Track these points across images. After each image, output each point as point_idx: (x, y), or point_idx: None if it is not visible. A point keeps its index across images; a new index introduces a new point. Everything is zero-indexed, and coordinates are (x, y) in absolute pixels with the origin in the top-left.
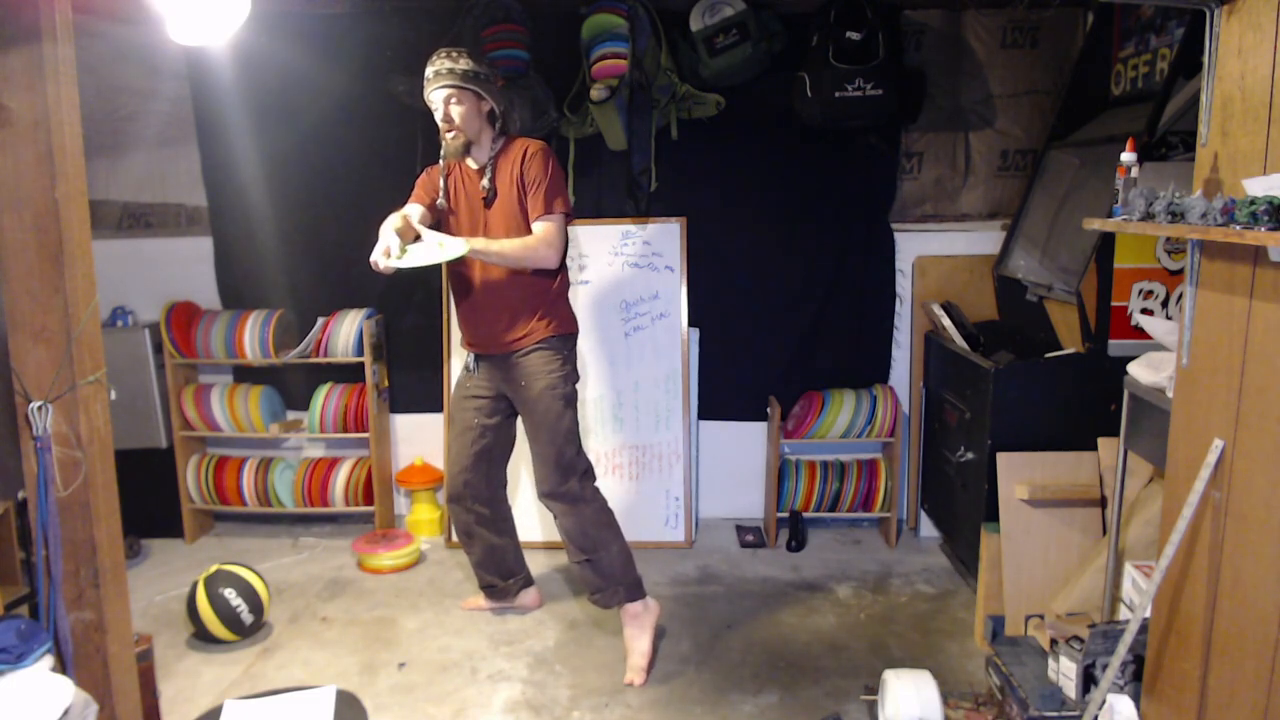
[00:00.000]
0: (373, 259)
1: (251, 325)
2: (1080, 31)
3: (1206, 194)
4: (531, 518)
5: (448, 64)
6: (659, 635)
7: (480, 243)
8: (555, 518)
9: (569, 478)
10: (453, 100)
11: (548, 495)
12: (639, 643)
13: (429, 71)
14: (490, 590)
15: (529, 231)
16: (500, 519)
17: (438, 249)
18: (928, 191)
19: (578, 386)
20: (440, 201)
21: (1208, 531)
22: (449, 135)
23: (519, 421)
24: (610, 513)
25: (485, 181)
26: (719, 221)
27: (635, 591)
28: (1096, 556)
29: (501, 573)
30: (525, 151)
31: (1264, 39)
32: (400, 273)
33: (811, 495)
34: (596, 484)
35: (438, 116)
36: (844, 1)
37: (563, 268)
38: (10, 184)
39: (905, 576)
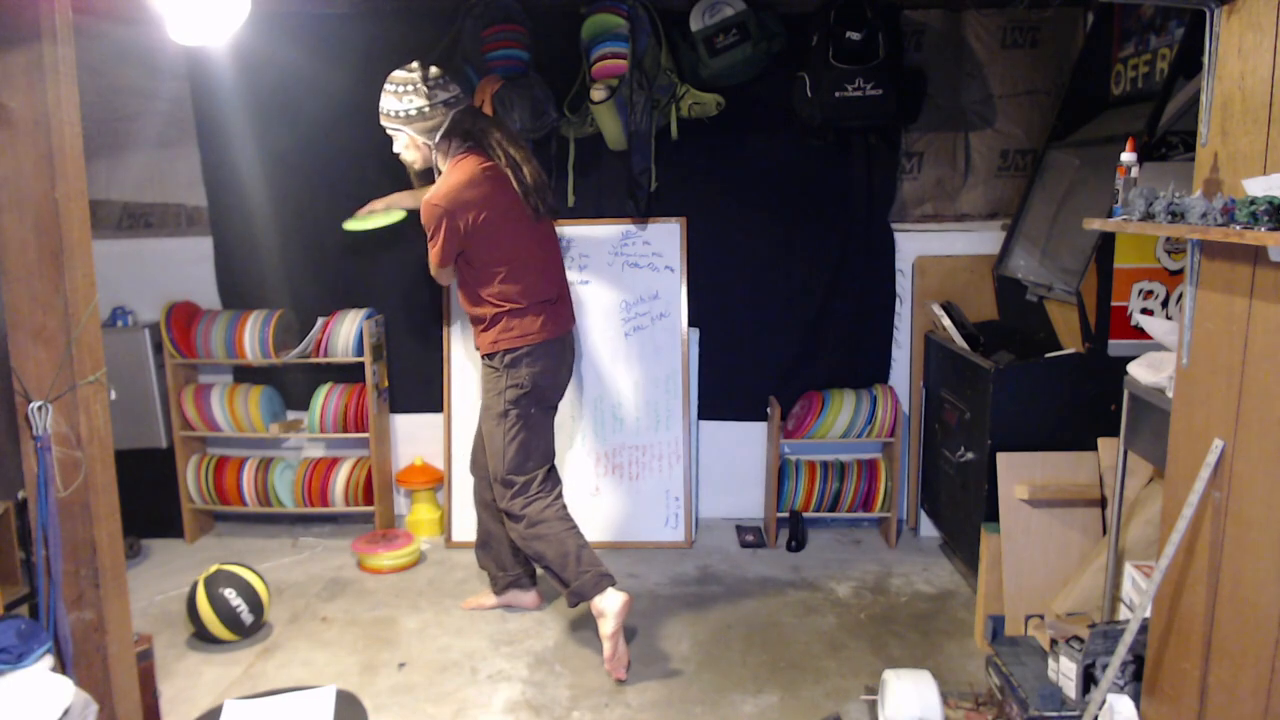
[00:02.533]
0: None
1: (251, 325)
2: (1080, 31)
3: (1206, 194)
4: None
5: (381, 99)
6: (629, 633)
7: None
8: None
9: (503, 495)
10: (389, 134)
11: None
12: (605, 642)
13: None
14: (488, 576)
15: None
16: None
17: (384, 215)
18: (928, 191)
19: (566, 389)
20: None
21: (1208, 531)
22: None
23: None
24: (546, 524)
25: None
26: (719, 221)
27: (587, 591)
28: (1096, 556)
29: (496, 562)
30: (428, 193)
31: (1264, 39)
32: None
33: (811, 495)
34: (539, 500)
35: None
36: (844, 1)
37: (518, 278)
38: (10, 184)
39: (905, 576)
